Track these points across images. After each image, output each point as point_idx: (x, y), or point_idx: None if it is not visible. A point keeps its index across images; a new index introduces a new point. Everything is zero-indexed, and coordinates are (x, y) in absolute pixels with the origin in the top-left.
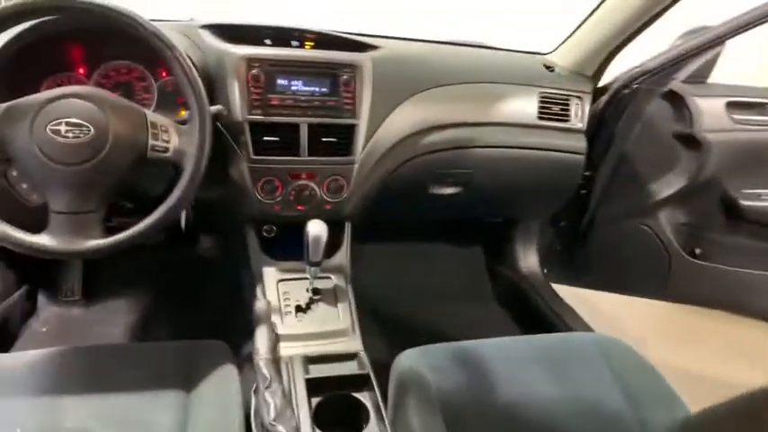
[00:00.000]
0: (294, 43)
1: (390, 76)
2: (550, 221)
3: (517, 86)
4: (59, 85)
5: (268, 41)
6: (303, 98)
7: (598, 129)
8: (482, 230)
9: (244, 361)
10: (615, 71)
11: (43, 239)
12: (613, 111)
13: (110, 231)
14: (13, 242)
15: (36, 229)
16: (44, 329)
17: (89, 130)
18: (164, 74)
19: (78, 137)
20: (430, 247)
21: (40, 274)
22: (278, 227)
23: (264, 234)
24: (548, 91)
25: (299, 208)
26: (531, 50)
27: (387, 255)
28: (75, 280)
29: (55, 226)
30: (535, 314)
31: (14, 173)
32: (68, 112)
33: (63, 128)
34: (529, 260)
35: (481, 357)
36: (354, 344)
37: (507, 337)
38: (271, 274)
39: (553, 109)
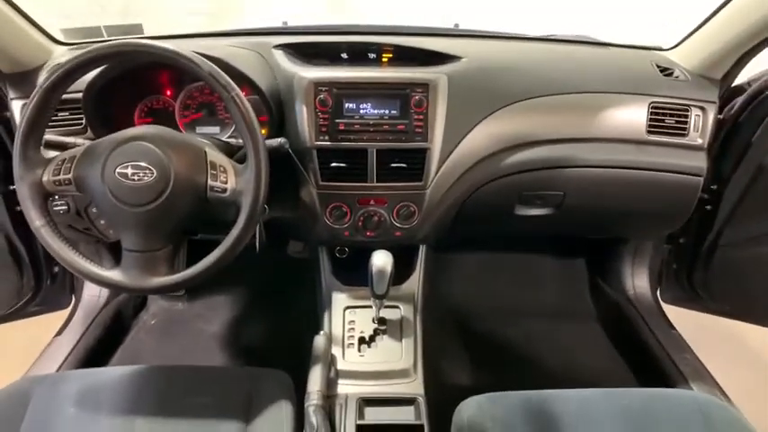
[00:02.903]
0: (371, 56)
1: (471, 90)
2: (666, 237)
3: (623, 95)
4: (150, 108)
5: (344, 56)
6: (371, 122)
7: (728, 137)
8: (585, 243)
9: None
10: (746, 72)
11: (115, 275)
12: (749, 118)
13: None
14: (89, 276)
15: (117, 261)
16: (153, 322)
17: (152, 173)
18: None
19: (142, 179)
20: (522, 259)
21: None
22: (350, 248)
23: (337, 255)
24: (661, 100)
25: (369, 234)
26: (643, 45)
27: (470, 266)
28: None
29: (126, 263)
30: (638, 341)
31: (94, 209)
32: (134, 155)
33: (129, 171)
34: (637, 280)
35: (555, 412)
36: (414, 387)
37: (589, 389)
38: (339, 300)
39: (667, 121)
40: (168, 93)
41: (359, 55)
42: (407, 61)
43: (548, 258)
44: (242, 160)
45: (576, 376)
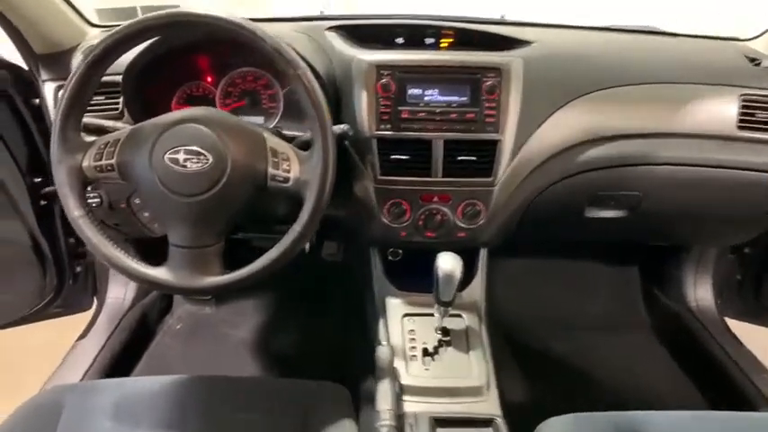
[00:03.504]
0: (429, 41)
1: (545, 78)
2: (731, 247)
3: (710, 87)
4: (189, 95)
5: (400, 40)
6: (438, 110)
7: None
8: (639, 250)
9: (364, 403)
10: None
11: (161, 274)
12: None
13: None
14: (132, 274)
15: (161, 258)
16: (178, 327)
17: (207, 159)
18: None
19: (196, 166)
20: (569, 266)
21: None
22: (405, 250)
23: (390, 257)
24: (754, 92)
25: (429, 234)
26: (718, 36)
27: (513, 270)
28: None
29: (173, 260)
30: (706, 357)
31: (137, 200)
32: (187, 138)
33: (181, 156)
34: (700, 290)
35: None
36: (490, 406)
37: (676, 412)
38: (396, 306)
39: (758, 116)
40: (209, 79)
41: (416, 39)
42: (469, 47)
43: (595, 263)
44: (301, 149)
45: (642, 395)
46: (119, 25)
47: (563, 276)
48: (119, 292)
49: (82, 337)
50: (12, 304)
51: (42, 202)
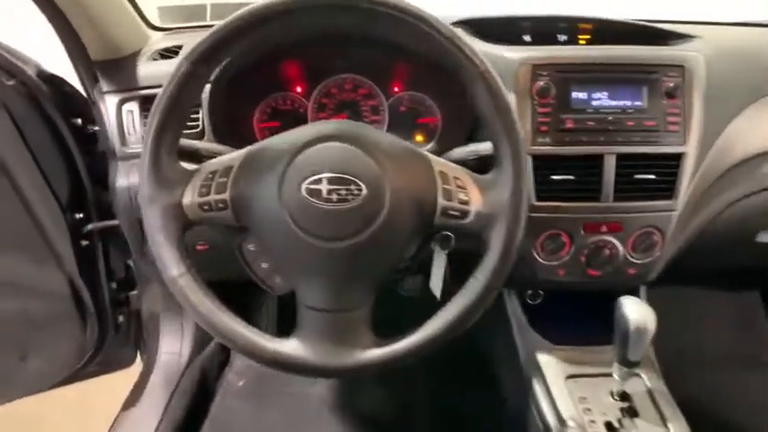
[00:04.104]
0: (562, 37)
1: (725, 78)
2: None
3: None
4: (274, 109)
5: (527, 38)
6: (610, 117)
7: None
8: (760, 273)
9: None
10: None
11: (296, 349)
12: None
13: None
14: (256, 353)
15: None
16: (241, 384)
17: (360, 190)
18: (395, 89)
19: (345, 199)
20: (683, 293)
21: None
22: (546, 291)
23: (529, 301)
24: None
25: (592, 273)
26: None
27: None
28: (270, 325)
29: (308, 328)
30: None
31: (251, 246)
32: (330, 162)
33: (324, 186)
34: None
35: None
36: None
37: None
38: (553, 365)
39: None
40: (299, 89)
41: (546, 35)
42: (617, 39)
43: (711, 289)
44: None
45: None
46: (185, 28)
47: (682, 305)
48: (173, 346)
49: (132, 402)
50: (46, 370)
51: (83, 242)
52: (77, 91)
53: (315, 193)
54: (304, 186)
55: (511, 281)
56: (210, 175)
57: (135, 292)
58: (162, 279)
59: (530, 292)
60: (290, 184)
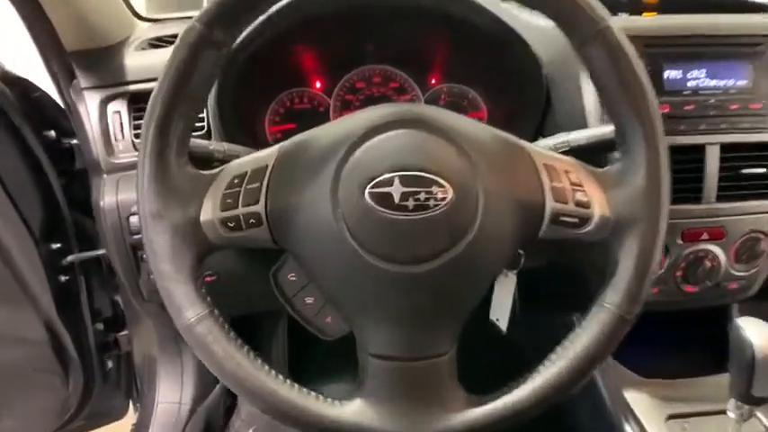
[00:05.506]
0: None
1: None
2: None
3: None
4: (289, 109)
5: None
6: (711, 101)
7: None
8: None
9: None
10: None
11: (359, 413)
12: None
13: None
14: (306, 421)
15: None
16: (250, 431)
17: (445, 194)
18: (433, 80)
19: (426, 206)
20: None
21: None
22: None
23: None
24: None
25: (688, 290)
26: None
27: None
28: (280, 365)
29: (376, 384)
30: None
31: (291, 276)
32: (403, 156)
33: (396, 190)
34: None
35: None
36: None
37: None
38: (645, 404)
39: None
40: (317, 84)
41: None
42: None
43: None
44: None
45: None
46: (177, 18)
47: None
48: (172, 394)
49: None
50: (22, 430)
51: (62, 278)
52: (50, 97)
53: (383, 200)
54: (368, 191)
55: (586, 303)
56: (237, 181)
57: (125, 333)
58: (160, 318)
59: None
60: (348, 187)
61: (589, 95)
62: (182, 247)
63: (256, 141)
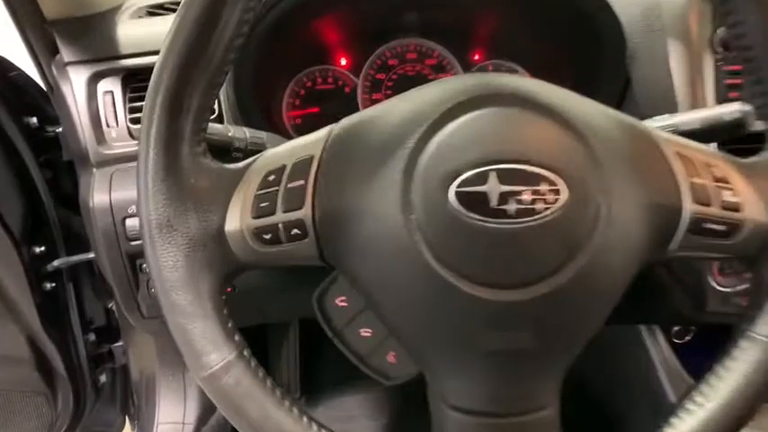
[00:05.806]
0: None
1: None
2: None
3: None
4: (311, 90)
5: None
6: None
7: None
8: None
9: None
10: None
11: None
12: None
13: None
14: None
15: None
16: None
17: (557, 193)
18: (476, 56)
19: (532, 210)
20: None
21: None
22: (697, 325)
23: (675, 339)
24: None
25: None
26: None
27: None
28: (292, 374)
29: None
30: None
31: (341, 300)
32: (497, 144)
33: (493, 188)
34: None
35: None
36: None
37: None
38: None
39: None
40: (343, 61)
41: None
42: None
43: None
44: None
45: None
46: None
47: None
48: (174, 413)
49: None
50: None
51: (48, 286)
52: (29, 78)
53: (474, 202)
54: (453, 190)
55: (659, 314)
56: (273, 178)
57: (120, 344)
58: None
59: (676, 327)
60: (424, 186)
61: (681, 76)
62: (200, 269)
63: (270, 128)
